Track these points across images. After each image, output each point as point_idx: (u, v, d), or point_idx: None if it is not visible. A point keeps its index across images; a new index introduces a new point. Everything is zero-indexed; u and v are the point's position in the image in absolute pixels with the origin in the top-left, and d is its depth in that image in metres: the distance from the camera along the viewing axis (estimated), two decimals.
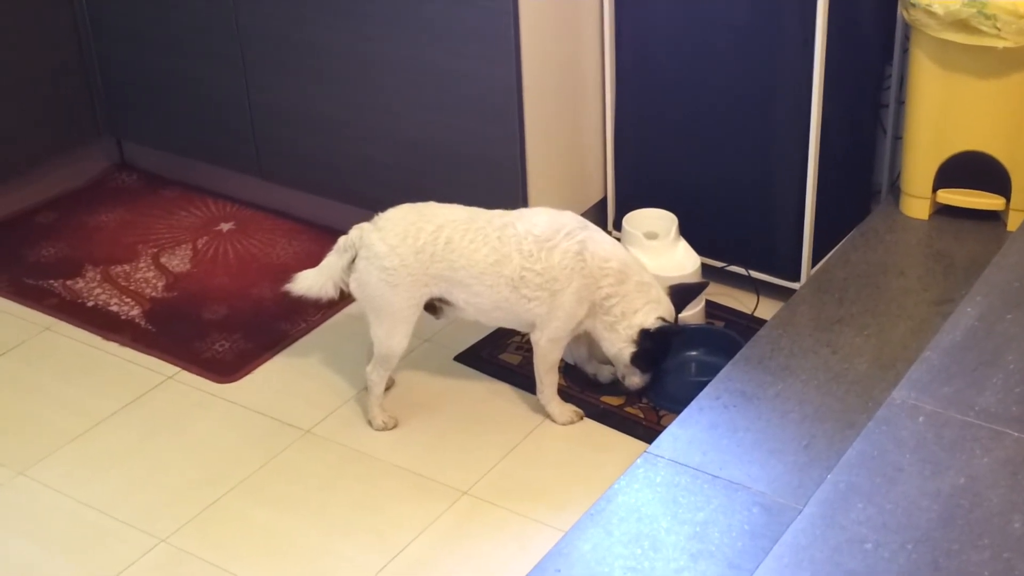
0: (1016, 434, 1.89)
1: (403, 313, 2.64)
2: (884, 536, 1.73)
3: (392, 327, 2.65)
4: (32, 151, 3.67)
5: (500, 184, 3.08)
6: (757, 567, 1.78)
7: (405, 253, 2.60)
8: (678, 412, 2.52)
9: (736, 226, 3.09)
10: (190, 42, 3.49)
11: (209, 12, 3.39)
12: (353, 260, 2.65)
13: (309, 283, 2.74)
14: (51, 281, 3.32)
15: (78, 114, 3.74)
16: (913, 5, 2.79)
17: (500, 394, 2.84)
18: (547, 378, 2.71)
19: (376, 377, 2.71)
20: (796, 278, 3.03)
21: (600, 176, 3.27)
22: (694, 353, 2.88)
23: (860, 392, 2.46)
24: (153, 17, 3.54)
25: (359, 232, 2.65)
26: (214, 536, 2.47)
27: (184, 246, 3.47)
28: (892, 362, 2.52)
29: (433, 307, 2.71)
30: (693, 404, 2.48)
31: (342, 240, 2.68)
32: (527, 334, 2.72)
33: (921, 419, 1.96)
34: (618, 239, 2.89)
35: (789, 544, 1.77)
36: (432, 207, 2.68)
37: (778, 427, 2.39)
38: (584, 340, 2.78)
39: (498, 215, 2.67)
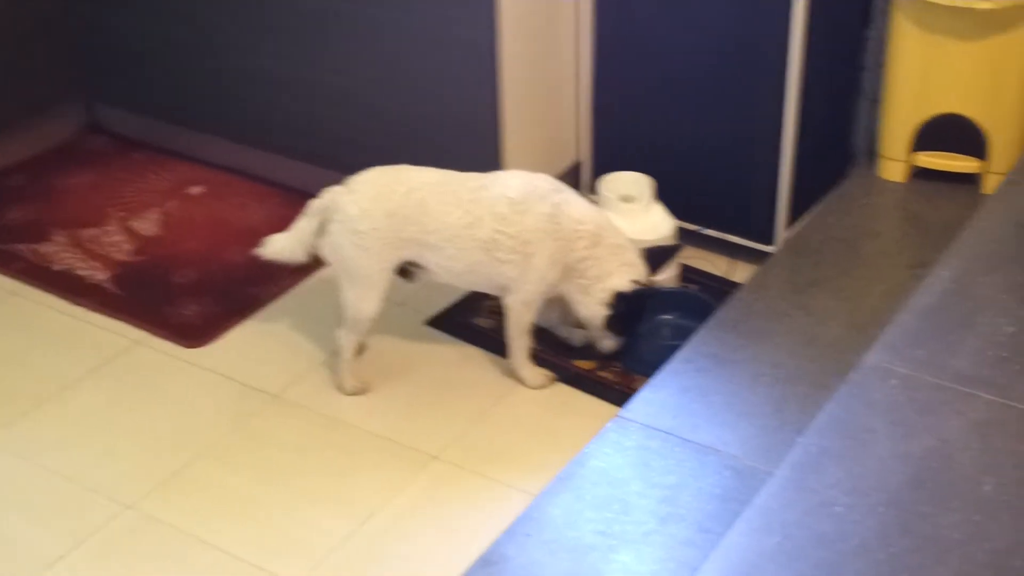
0: (988, 396, 1.88)
1: (375, 277, 2.61)
2: (855, 499, 1.72)
3: (364, 291, 2.62)
4: (2, 113, 3.61)
5: (475, 147, 3.05)
6: (727, 530, 1.76)
7: (377, 216, 2.56)
8: (651, 376, 2.50)
9: (712, 189, 3.07)
10: (163, 2, 3.43)
11: None
12: (324, 224, 2.61)
13: (279, 247, 2.70)
14: (18, 245, 3.26)
15: (50, 75, 3.68)
16: None
17: (472, 358, 2.82)
18: (519, 341, 2.69)
19: (347, 341, 2.68)
20: (770, 241, 3.01)
21: (575, 139, 3.24)
22: (668, 317, 2.85)
23: (833, 355, 2.44)
24: None
25: (331, 195, 2.61)
26: (182, 502, 2.44)
27: (153, 209, 3.42)
28: (866, 325, 2.50)
29: (405, 271, 2.68)
30: (665, 368, 2.46)
31: (314, 203, 2.64)
32: (499, 298, 2.69)
33: (893, 382, 1.94)
34: (594, 202, 2.86)
35: (759, 507, 1.75)
36: (405, 170, 2.64)
37: (750, 390, 2.37)
38: (557, 303, 2.75)
39: (472, 178, 2.63)
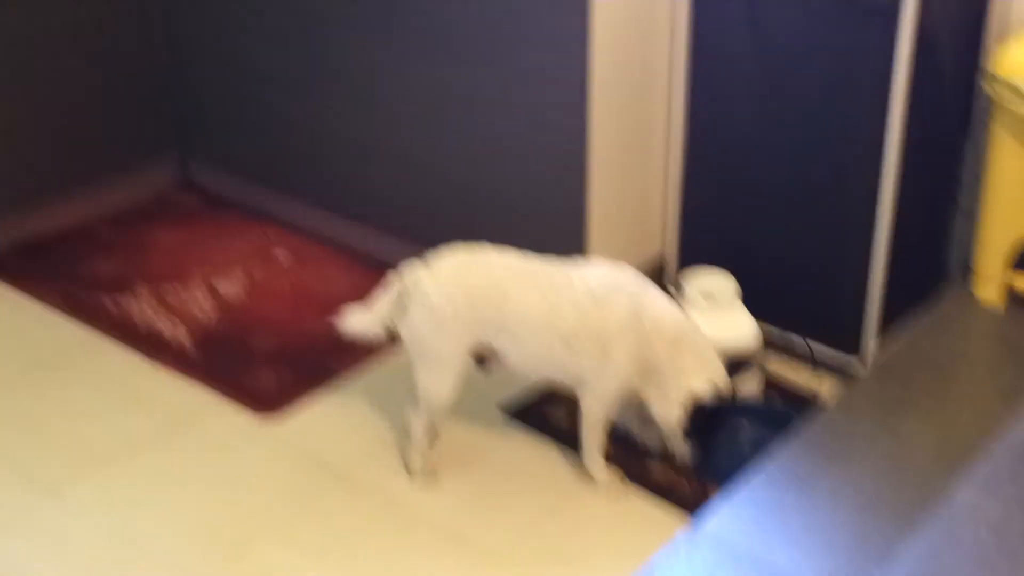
0: None
1: (451, 360, 2.58)
2: None
3: (439, 374, 2.59)
4: (97, 164, 3.67)
5: (560, 231, 3.03)
6: None
7: (456, 296, 2.54)
8: (725, 485, 2.42)
9: (798, 294, 3.00)
10: (266, 66, 3.49)
11: (288, 38, 3.38)
12: (403, 301, 2.59)
13: (358, 322, 2.69)
14: (102, 296, 3.30)
15: (146, 129, 3.74)
16: (996, 79, 2.69)
17: (546, 453, 2.76)
18: (593, 439, 2.63)
19: (417, 423, 2.64)
20: (857, 352, 2.93)
21: (662, 231, 3.20)
22: (746, 425, 2.78)
23: (920, 485, 2.35)
24: (230, 36, 3.53)
25: (411, 273, 2.60)
26: (237, 571, 2.41)
27: (238, 271, 3.44)
28: (955, 454, 2.41)
29: (481, 359, 2.64)
30: (741, 480, 2.39)
31: (395, 284, 2.63)
32: (575, 392, 2.64)
33: (983, 524, 1.86)
34: (675, 298, 2.81)
35: None
36: (486, 253, 2.62)
37: (830, 515, 2.29)
38: (635, 404, 2.69)
39: (554, 265, 2.60)
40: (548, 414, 2.87)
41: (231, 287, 3.36)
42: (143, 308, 3.25)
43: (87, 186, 3.67)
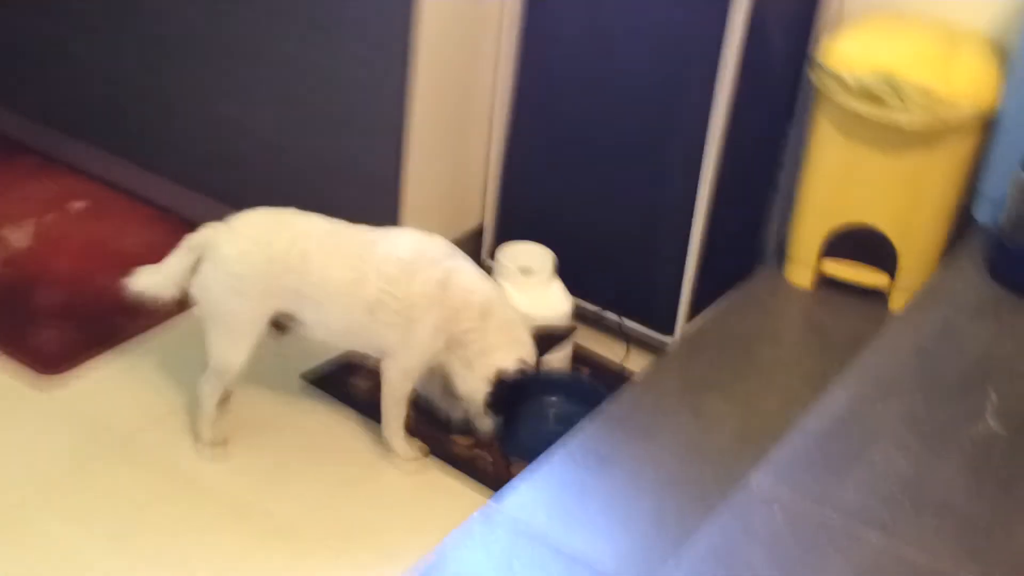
0: (874, 539, 1.77)
1: (246, 326, 2.44)
2: None
3: (232, 339, 2.44)
4: None
5: (373, 198, 2.91)
6: None
7: (256, 260, 2.40)
8: (529, 461, 2.36)
9: (614, 271, 2.96)
10: (72, 7, 3.27)
11: None
12: (198, 262, 2.43)
13: (148, 281, 2.51)
14: None
15: None
16: (823, 69, 2.69)
17: (346, 424, 2.65)
18: (394, 410, 2.53)
19: (208, 390, 2.50)
20: (671, 332, 2.91)
21: (480, 203, 3.11)
22: (553, 400, 2.72)
23: (719, 464, 2.32)
24: None
25: (209, 233, 2.44)
26: (9, 546, 2.23)
27: (29, 220, 3.21)
28: (756, 436, 2.39)
29: (279, 324, 2.51)
30: (543, 458, 2.32)
31: (189, 239, 2.46)
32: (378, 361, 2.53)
33: (776, 510, 1.83)
34: (490, 270, 2.73)
35: None
36: (291, 215, 2.48)
37: (630, 495, 2.24)
38: (439, 374, 2.60)
39: (361, 232, 2.49)
40: (350, 384, 2.76)
41: (19, 237, 3.13)
42: None
43: None
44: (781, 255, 3.01)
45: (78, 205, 3.31)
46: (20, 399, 2.61)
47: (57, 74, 3.40)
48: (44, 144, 3.52)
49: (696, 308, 2.92)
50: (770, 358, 2.71)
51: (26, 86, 3.49)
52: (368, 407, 2.66)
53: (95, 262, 3.07)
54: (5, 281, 2.96)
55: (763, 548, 1.74)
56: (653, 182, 2.84)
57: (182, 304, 2.67)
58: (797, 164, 2.97)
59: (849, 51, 2.67)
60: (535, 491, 2.23)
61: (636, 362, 2.90)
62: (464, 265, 2.50)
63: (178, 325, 2.84)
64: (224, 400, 2.55)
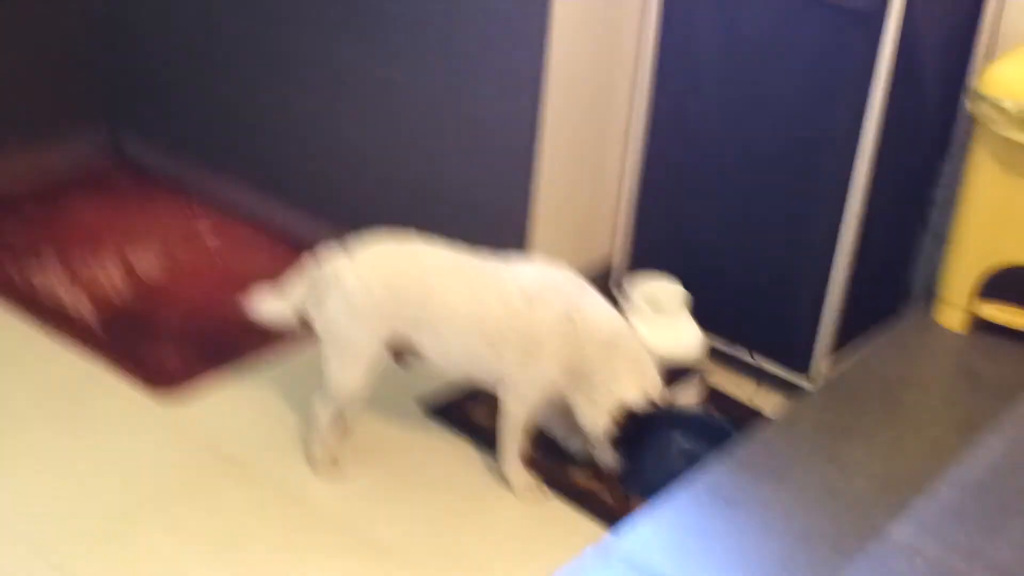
0: None
1: (364, 352, 2.38)
2: None
3: (347, 362, 2.39)
4: (26, 130, 3.49)
5: (502, 226, 2.85)
6: None
7: (376, 289, 2.35)
8: (649, 498, 2.23)
9: (749, 305, 2.83)
10: (205, 40, 3.35)
11: (230, 14, 3.24)
12: (320, 290, 2.39)
13: (270, 308, 2.49)
14: (7, 264, 3.08)
15: (76, 97, 3.58)
16: (981, 98, 2.51)
17: (462, 452, 2.57)
18: (511, 441, 2.44)
19: (322, 412, 2.44)
20: (805, 371, 2.75)
21: (609, 232, 3.01)
22: (679, 437, 2.58)
23: (856, 513, 2.15)
24: (169, 7, 3.39)
25: (333, 265, 2.39)
26: (107, 559, 2.19)
27: (157, 245, 3.24)
28: (897, 486, 2.21)
29: (398, 353, 2.44)
30: (665, 496, 2.19)
31: (313, 270, 2.43)
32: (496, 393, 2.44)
33: (920, 563, 1.66)
34: (618, 305, 2.62)
35: None
36: (412, 242, 2.42)
37: (757, 542, 2.08)
38: (562, 408, 2.49)
39: (485, 262, 2.41)
40: (470, 412, 2.67)
41: (147, 262, 3.16)
42: (50, 278, 3.03)
43: (11, 152, 3.47)
44: (929, 296, 2.83)
45: (205, 231, 3.33)
46: (139, 411, 2.60)
47: (189, 103, 3.46)
48: (174, 172, 3.57)
49: (837, 347, 2.75)
50: (916, 404, 2.52)
51: (158, 115, 3.56)
52: (487, 437, 2.57)
53: (220, 286, 3.06)
54: (128, 303, 2.98)
55: None
56: (795, 214, 2.70)
57: (303, 329, 2.64)
58: (950, 200, 2.79)
59: (1010, 77, 2.49)
60: (654, 529, 2.10)
61: (767, 401, 2.75)
62: (590, 295, 2.40)
63: (299, 350, 2.80)
64: (340, 424, 2.48)
